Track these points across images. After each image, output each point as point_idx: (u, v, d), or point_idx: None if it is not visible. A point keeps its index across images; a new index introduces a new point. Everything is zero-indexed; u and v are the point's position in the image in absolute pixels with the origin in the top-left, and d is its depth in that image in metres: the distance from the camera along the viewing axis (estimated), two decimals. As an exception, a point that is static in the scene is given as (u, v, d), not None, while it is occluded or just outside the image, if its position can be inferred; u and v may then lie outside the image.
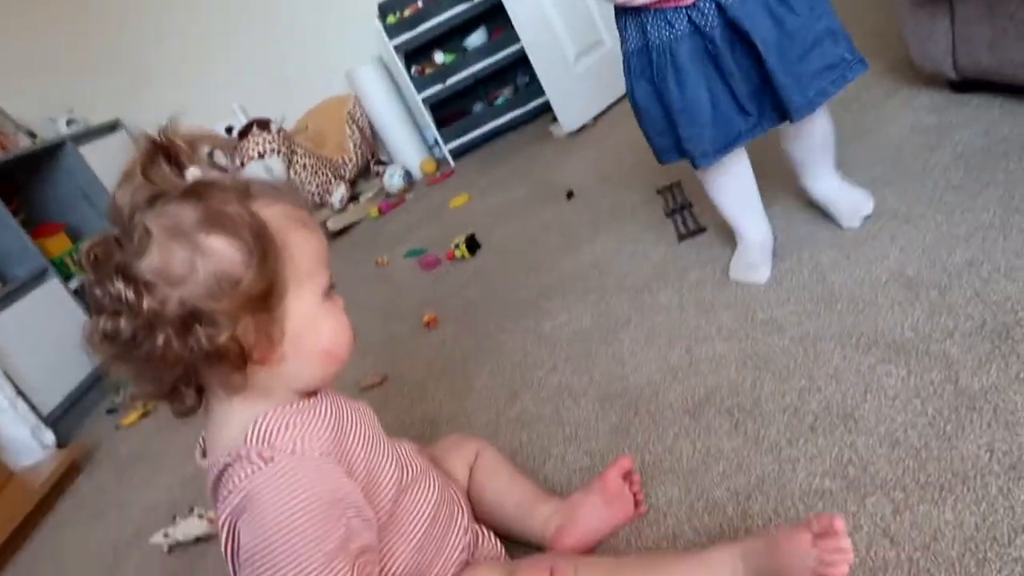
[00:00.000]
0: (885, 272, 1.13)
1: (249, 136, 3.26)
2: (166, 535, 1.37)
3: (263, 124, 3.30)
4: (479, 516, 0.95)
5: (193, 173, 0.66)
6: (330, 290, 0.72)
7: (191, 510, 1.41)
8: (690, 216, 1.63)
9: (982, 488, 0.74)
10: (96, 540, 1.62)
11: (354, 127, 3.53)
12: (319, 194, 3.36)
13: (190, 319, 0.60)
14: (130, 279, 0.60)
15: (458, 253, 2.11)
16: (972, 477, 0.75)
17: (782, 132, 1.26)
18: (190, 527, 1.36)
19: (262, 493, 0.61)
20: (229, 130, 3.41)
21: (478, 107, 3.68)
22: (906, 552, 0.71)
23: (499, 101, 3.58)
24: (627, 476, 0.93)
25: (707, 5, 1.10)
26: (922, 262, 1.11)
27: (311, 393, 0.73)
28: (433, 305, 1.89)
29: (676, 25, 1.12)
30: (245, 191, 0.67)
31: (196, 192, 0.64)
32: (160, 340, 0.60)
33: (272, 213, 0.66)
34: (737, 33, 1.10)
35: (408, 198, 3.29)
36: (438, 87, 3.44)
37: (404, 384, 1.55)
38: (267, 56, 3.69)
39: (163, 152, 0.66)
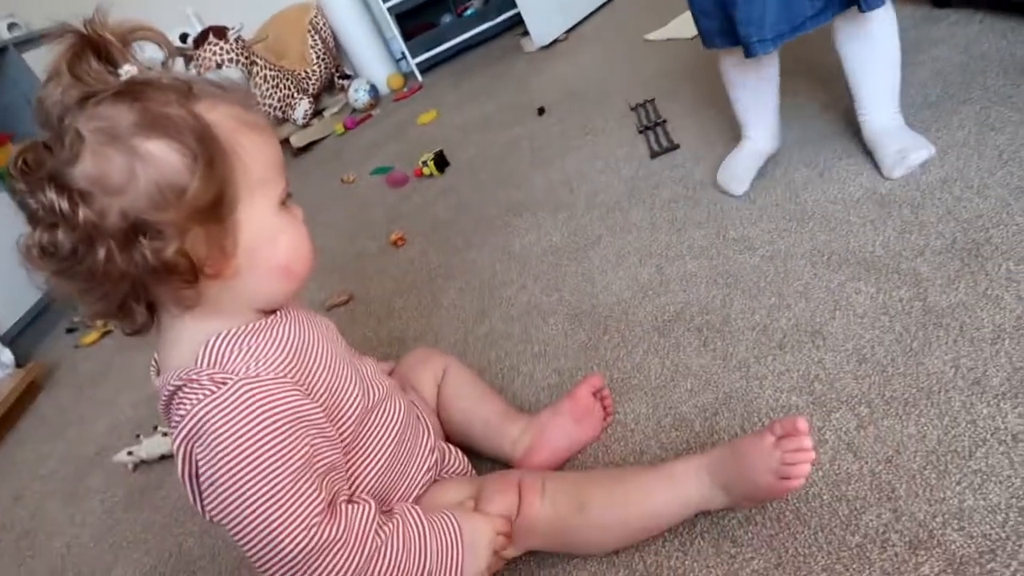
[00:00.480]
0: (858, 190, 1.11)
1: (205, 45, 3.10)
2: (130, 453, 1.36)
3: (220, 32, 3.13)
4: (448, 434, 0.95)
5: (128, 70, 0.60)
6: (287, 199, 0.67)
7: (155, 428, 1.40)
8: (663, 133, 1.60)
9: (945, 403, 0.74)
10: (59, 459, 1.60)
11: (316, 38, 3.38)
12: (281, 108, 3.23)
13: (133, 231, 0.56)
14: (63, 188, 0.55)
15: (426, 170, 2.05)
16: (936, 392, 0.76)
17: (840, 34, 1.11)
18: (154, 445, 1.34)
19: (216, 419, 0.58)
20: (184, 38, 3.24)
21: (447, 19, 3.54)
22: (869, 465, 0.72)
23: (469, 13, 3.45)
24: (597, 393, 0.93)
25: None
26: (895, 180, 1.09)
27: (271, 311, 0.69)
28: (401, 223, 1.85)
29: None
30: (187, 91, 0.60)
31: (131, 92, 0.57)
32: (101, 254, 0.56)
33: (218, 115, 0.60)
34: None
35: (374, 114, 3.19)
36: (404, -4, 3.29)
37: (371, 303, 1.53)
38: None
39: (92, 47, 0.59)
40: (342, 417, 0.71)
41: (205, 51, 3.06)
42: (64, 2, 2.98)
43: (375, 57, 3.50)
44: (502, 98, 2.48)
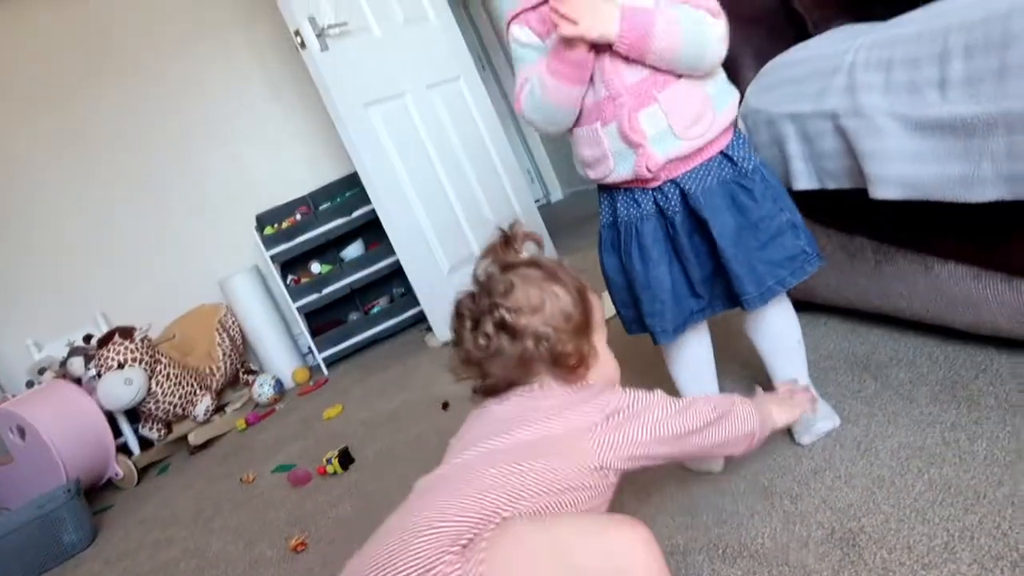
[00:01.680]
0: (742, 482, 1.19)
1: (110, 345, 3.12)
2: None
3: (126, 332, 3.17)
4: None
5: (529, 249, 1.02)
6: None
7: None
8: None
9: None
10: None
11: (224, 336, 3.47)
12: (182, 405, 3.19)
13: (542, 335, 0.92)
14: (501, 307, 0.92)
15: (330, 468, 2.04)
16: None
17: (745, 322, 1.29)
18: None
19: None
20: (87, 338, 3.26)
21: (354, 316, 3.73)
22: None
23: (375, 310, 3.65)
24: None
25: (672, 189, 1.15)
26: (774, 471, 1.18)
27: None
28: (302, 525, 1.79)
29: (642, 204, 1.18)
30: (559, 265, 1.00)
31: (536, 262, 0.98)
32: (522, 347, 0.92)
33: (569, 278, 0.99)
34: (697, 220, 1.15)
35: (278, 408, 3.19)
36: (314, 296, 3.49)
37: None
38: (138, 264, 3.65)
39: (505, 239, 1.01)
40: None
41: (109, 350, 3.07)
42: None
43: (282, 352, 3.59)
44: (407, 393, 2.56)
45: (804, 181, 1.36)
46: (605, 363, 1.00)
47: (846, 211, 1.40)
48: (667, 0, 1.10)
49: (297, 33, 2.76)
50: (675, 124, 1.12)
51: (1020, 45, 0.91)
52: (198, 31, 3.66)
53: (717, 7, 1.11)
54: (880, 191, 1.17)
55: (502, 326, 0.91)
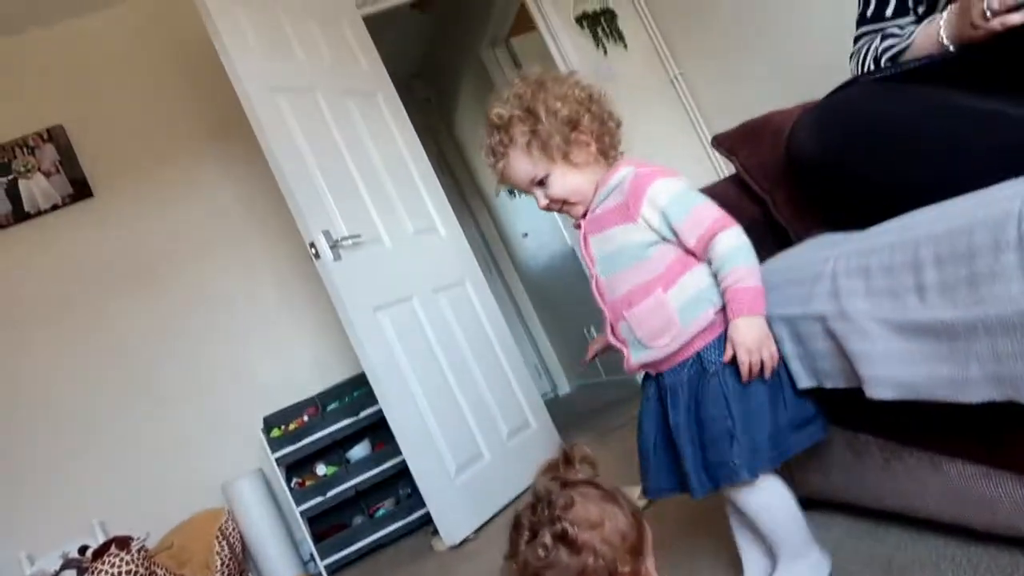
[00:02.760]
0: None
1: (104, 557, 3.00)
2: None
3: (123, 543, 3.07)
4: None
5: (585, 471, 1.03)
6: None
7: None
8: None
9: None
10: None
11: (224, 543, 3.34)
12: (174, 621, 3.02)
13: (600, 552, 0.93)
14: (563, 520, 0.93)
15: None
16: None
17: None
18: None
19: None
20: (83, 550, 3.14)
21: (359, 519, 3.61)
22: None
23: (380, 512, 3.55)
24: None
25: (662, 380, 1.37)
26: None
27: None
28: None
29: (647, 387, 1.42)
30: (616, 488, 1.02)
31: (595, 482, 1.01)
32: (581, 562, 0.92)
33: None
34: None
35: (276, 623, 3.01)
36: (318, 499, 3.41)
37: None
38: (139, 470, 3.59)
39: (566, 458, 1.04)
40: None
41: (104, 563, 2.96)
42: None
43: (283, 560, 3.45)
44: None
45: (803, 380, 1.39)
46: None
47: (850, 408, 1.41)
48: (688, 231, 1.32)
49: (312, 245, 2.93)
50: (642, 337, 1.35)
51: (985, 256, 0.97)
52: (215, 241, 3.83)
53: (718, 215, 1.32)
54: (875, 391, 1.19)
55: (562, 538, 0.93)
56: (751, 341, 1.28)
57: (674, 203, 1.33)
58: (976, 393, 1.02)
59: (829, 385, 1.34)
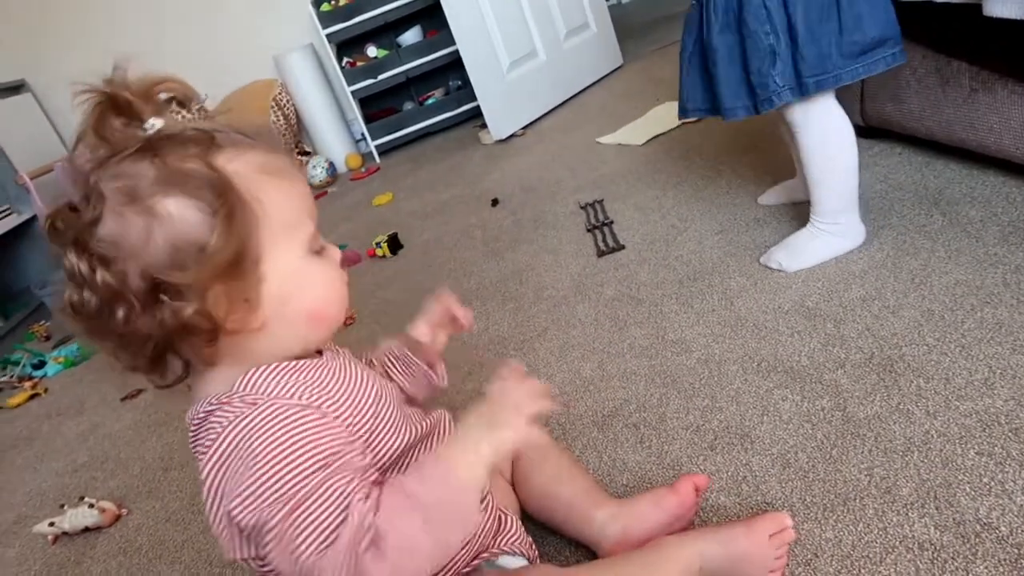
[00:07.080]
0: (788, 302, 1.20)
1: (166, 112, 3.13)
2: (52, 524, 1.31)
3: (183, 101, 3.18)
4: (528, 512, 0.91)
5: (153, 124, 0.59)
6: (317, 241, 0.66)
7: (81, 499, 1.35)
8: (610, 233, 1.68)
9: (860, 509, 0.80)
10: (-29, 527, 1.53)
11: (279, 113, 3.45)
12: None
13: (154, 292, 0.56)
14: (83, 251, 0.55)
15: (379, 251, 2.10)
16: (852, 499, 0.81)
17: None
18: (79, 517, 1.30)
19: (251, 434, 0.56)
20: (145, 105, 3.27)
21: (408, 106, 3.66)
22: (789, 568, 0.76)
23: (430, 102, 3.58)
24: (700, 492, 0.86)
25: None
26: (821, 295, 1.18)
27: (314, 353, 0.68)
28: (351, 302, 1.86)
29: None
30: (209, 142, 0.60)
31: (152, 147, 0.57)
32: (121, 315, 0.56)
33: (241, 164, 0.60)
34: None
35: (330, 191, 3.25)
36: (369, 81, 3.41)
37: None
38: (191, 33, 3.56)
39: (115, 105, 0.58)
40: (380, 452, 0.68)
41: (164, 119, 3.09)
42: (23, 58, 3.02)
43: (335, 136, 3.59)
44: (458, 187, 2.57)
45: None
46: (297, 303, 0.64)
47: (950, 29, 1.28)
48: None
49: None
50: None
51: None
52: None
53: None
54: (996, 8, 1.05)
55: (84, 279, 0.58)
56: None
57: None
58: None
59: (941, -1, 1.19)
